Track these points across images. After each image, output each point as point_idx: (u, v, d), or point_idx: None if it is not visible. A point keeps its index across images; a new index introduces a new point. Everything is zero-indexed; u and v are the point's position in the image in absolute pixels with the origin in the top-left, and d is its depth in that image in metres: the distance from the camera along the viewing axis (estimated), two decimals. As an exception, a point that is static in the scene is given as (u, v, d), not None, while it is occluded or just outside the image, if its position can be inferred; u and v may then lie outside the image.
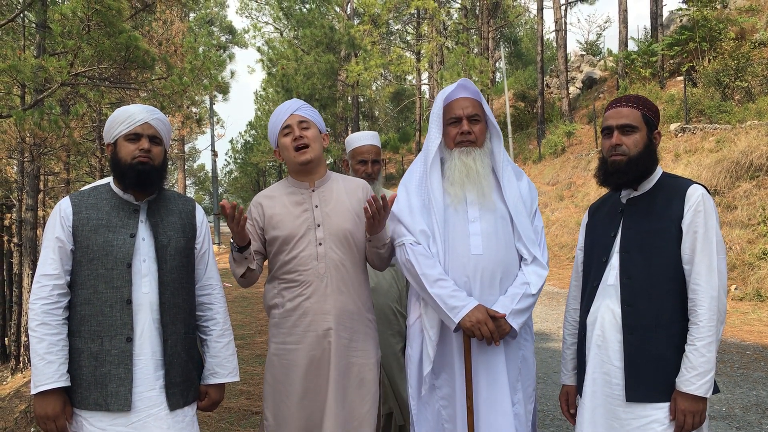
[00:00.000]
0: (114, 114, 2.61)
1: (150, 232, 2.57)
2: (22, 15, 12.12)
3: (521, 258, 2.85)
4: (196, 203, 2.81)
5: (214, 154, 29.10)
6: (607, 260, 2.59)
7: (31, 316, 2.40)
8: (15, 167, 15.01)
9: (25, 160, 12.23)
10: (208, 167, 48.53)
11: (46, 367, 2.35)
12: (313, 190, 3.00)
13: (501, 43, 37.73)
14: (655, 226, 2.47)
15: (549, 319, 9.33)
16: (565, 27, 26.28)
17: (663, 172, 2.59)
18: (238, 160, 52.92)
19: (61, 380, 2.37)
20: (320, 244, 2.89)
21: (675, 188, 2.49)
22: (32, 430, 8.45)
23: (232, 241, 2.79)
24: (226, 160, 55.01)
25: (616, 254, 2.55)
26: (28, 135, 9.55)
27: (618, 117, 2.54)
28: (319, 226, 2.92)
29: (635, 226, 2.53)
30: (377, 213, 2.71)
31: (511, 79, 33.48)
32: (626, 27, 24.62)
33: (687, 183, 2.49)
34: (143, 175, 2.53)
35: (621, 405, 2.46)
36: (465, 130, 2.85)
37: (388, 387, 3.68)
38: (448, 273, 2.77)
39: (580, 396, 2.66)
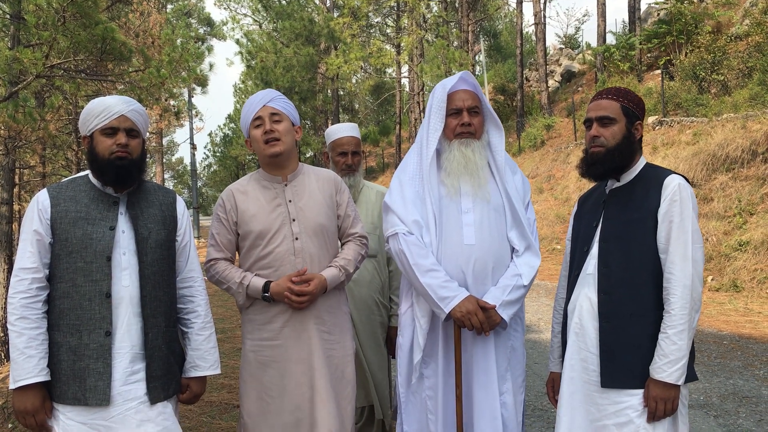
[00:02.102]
0: (89, 105, 2.54)
1: (130, 224, 2.53)
2: (-5, 6, 11.90)
3: (513, 249, 2.88)
4: (177, 195, 2.78)
5: (193, 147, 28.87)
6: (588, 249, 2.63)
7: (9, 311, 2.36)
8: (-11, 160, 14.76)
9: (0, 153, 12.04)
10: (187, 161, 48.26)
11: (26, 361, 2.32)
12: (286, 185, 2.98)
13: (481, 36, 37.77)
14: (633, 215, 2.51)
15: (529, 310, 9.38)
16: (544, 20, 26.37)
17: (646, 162, 2.62)
18: (217, 154, 52.58)
19: (41, 375, 2.34)
20: (296, 238, 2.88)
21: (654, 178, 2.52)
22: (10, 426, 8.34)
23: (267, 294, 2.82)
24: (205, 153, 54.88)
25: (596, 244, 2.60)
26: (2, 128, 9.40)
27: (597, 109, 2.58)
28: (294, 220, 2.91)
29: (615, 216, 2.57)
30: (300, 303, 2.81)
31: (491, 72, 33.59)
32: (605, 20, 24.78)
33: (666, 173, 2.52)
34: (122, 170, 2.49)
35: (597, 391, 2.51)
36: (466, 122, 2.89)
37: (369, 379, 3.67)
38: (441, 263, 2.79)
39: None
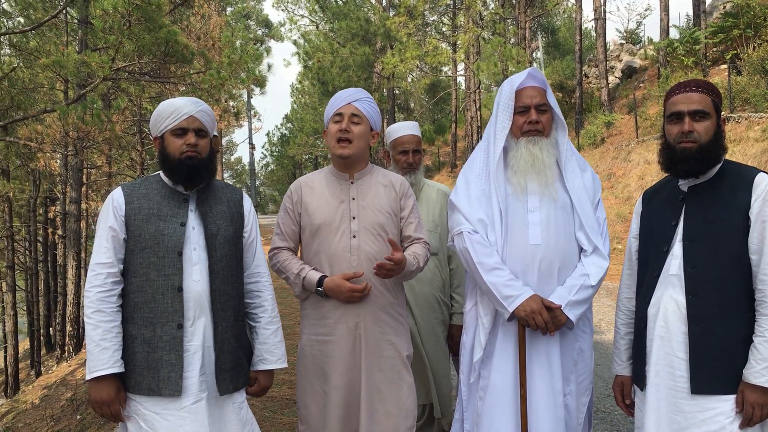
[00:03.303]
0: (159, 108, 2.63)
1: (199, 221, 2.61)
2: (64, 11, 12.36)
3: (581, 249, 2.82)
4: (243, 193, 2.84)
5: (252, 147, 29.36)
6: (668, 249, 2.51)
7: (86, 304, 2.46)
8: (59, 161, 15.35)
9: (69, 153, 12.49)
10: (245, 160, 49.20)
11: (101, 353, 2.41)
12: (352, 182, 3.00)
13: (538, 32, 37.26)
14: (720, 214, 2.39)
15: (589, 311, 9.23)
16: (605, 15, 25.83)
17: (725, 159, 2.51)
18: (275, 153, 53.36)
19: (115, 366, 2.42)
20: (354, 236, 2.89)
21: (740, 176, 2.41)
22: (78, 417, 8.64)
23: (320, 289, 2.84)
24: (262, 152, 55.70)
25: (679, 243, 2.48)
26: (71, 129, 9.75)
27: (689, 102, 2.47)
28: (354, 218, 2.92)
29: (699, 214, 2.45)
30: (390, 272, 2.78)
31: (549, 69, 33.08)
32: (668, 14, 24.12)
33: (753, 171, 2.41)
34: (193, 170, 2.57)
35: (686, 398, 2.39)
36: (533, 119, 2.83)
37: (430, 377, 3.67)
38: (506, 262, 2.76)
39: (638, 387, 2.62)
